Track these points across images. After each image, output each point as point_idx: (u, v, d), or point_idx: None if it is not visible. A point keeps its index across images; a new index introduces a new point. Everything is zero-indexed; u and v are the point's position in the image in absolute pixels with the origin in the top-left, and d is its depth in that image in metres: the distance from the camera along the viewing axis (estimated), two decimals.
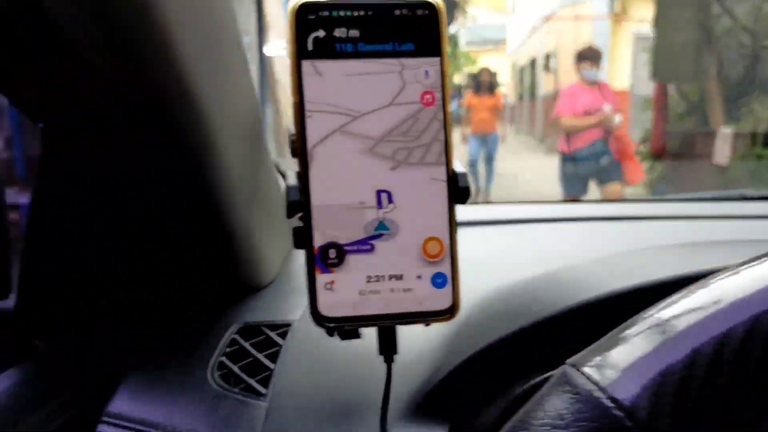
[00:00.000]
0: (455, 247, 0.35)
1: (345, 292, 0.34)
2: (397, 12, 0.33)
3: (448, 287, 0.35)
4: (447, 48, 0.34)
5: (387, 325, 0.36)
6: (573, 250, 0.59)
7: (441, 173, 0.34)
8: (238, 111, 0.45)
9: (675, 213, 0.76)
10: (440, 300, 0.35)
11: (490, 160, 5.25)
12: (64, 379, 0.43)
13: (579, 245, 0.63)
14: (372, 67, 0.33)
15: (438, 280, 0.35)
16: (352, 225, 0.34)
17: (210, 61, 0.40)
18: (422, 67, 0.33)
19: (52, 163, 0.39)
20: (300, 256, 0.62)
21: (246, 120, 0.46)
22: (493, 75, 5.61)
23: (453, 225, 0.35)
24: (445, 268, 0.35)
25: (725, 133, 4.05)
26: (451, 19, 10.05)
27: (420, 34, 0.34)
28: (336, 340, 0.45)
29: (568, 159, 3.33)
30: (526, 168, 7.31)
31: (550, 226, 0.72)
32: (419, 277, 0.35)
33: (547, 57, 12.74)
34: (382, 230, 0.34)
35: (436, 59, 0.34)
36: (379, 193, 0.34)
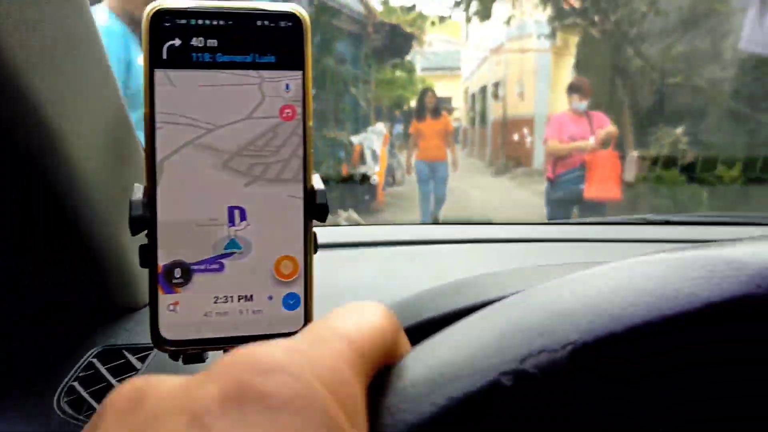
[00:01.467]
0: (310, 266, 0.34)
1: (189, 313, 0.32)
2: (259, 22, 0.32)
3: (300, 309, 0.34)
4: (310, 60, 0.32)
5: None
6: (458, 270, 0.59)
7: (298, 190, 0.33)
8: (99, 124, 0.43)
9: (577, 236, 0.78)
10: (291, 322, 0.34)
11: (439, 196, 4.81)
12: None
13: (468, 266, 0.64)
14: (229, 78, 0.31)
15: (290, 302, 0.34)
16: (201, 243, 0.32)
17: (55, 72, 0.38)
18: (283, 80, 0.32)
19: None
20: None
21: (109, 134, 0.44)
22: (437, 98, 5.05)
23: (309, 243, 0.33)
24: (299, 289, 0.34)
25: (632, 156, 5.22)
26: (408, 46, 10.09)
27: (282, 45, 0.32)
28: (200, 365, 0.43)
29: (552, 184, 3.35)
30: (476, 186, 8.47)
31: (455, 247, 0.73)
32: (270, 297, 0.33)
33: (496, 85, 13.17)
34: (233, 248, 0.33)
35: (298, 72, 0.32)
36: (231, 209, 0.32)
